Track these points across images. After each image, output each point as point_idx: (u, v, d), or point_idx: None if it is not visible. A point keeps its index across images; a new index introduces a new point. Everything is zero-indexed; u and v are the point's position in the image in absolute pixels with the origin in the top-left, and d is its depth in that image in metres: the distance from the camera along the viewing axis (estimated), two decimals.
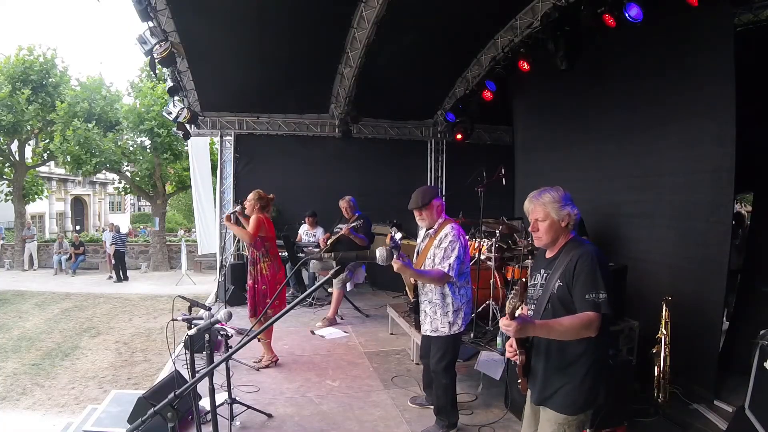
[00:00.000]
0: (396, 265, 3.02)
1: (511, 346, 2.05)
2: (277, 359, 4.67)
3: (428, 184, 8.60)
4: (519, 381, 2.18)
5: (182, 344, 3.94)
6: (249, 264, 4.51)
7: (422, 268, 3.28)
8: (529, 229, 2.22)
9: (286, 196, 7.61)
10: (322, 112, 8.34)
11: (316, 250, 6.51)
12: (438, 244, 3.19)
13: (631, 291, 4.28)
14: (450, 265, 3.11)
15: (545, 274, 2.16)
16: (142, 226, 26.57)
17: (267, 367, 4.55)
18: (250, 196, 4.45)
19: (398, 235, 3.34)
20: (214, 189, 10.02)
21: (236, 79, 7.36)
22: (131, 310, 10.99)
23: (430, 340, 3.37)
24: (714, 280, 3.86)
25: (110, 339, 8.78)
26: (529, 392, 2.22)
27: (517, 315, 1.86)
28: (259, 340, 4.57)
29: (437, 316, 3.25)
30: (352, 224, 5.77)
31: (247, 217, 4.43)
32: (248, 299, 4.55)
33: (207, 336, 2.68)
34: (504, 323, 1.88)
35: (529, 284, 2.26)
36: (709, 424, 3.46)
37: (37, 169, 18.68)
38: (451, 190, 8.42)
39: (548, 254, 2.19)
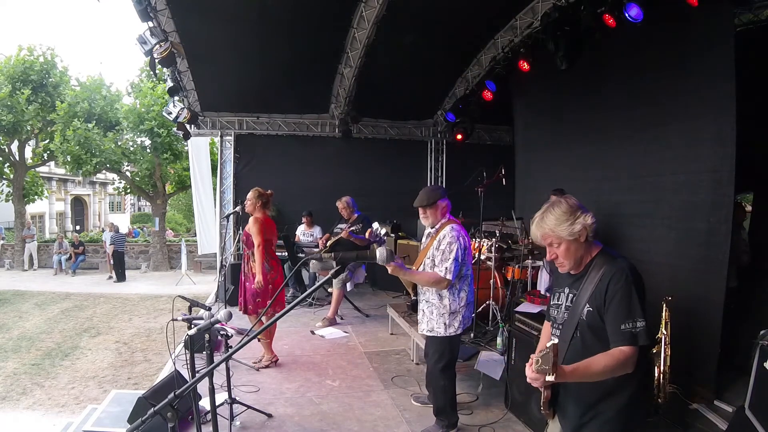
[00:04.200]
0: (390, 267, 2.96)
1: (534, 378, 1.66)
2: (277, 359, 4.67)
3: (428, 184, 8.61)
4: (543, 410, 1.89)
5: (182, 344, 3.94)
6: (242, 261, 4.54)
7: (421, 267, 3.26)
8: (547, 258, 1.92)
9: (286, 196, 7.63)
10: (322, 112, 8.34)
11: (317, 250, 6.50)
12: (437, 246, 3.14)
13: None
14: (447, 268, 3.05)
15: (571, 295, 1.90)
16: (134, 227, 26.19)
17: (267, 367, 4.55)
18: (250, 194, 4.46)
19: (383, 231, 3.27)
20: (214, 189, 10.03)
21: (236, 79, 7.36)
22: (131, 310, 10.98)
23: (428, 340, 3.37)
24: (714, 280, 3.85)
25: (110, 339, 8.78)
26: (555, 420, 2.00)
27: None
28: (259, 340, 4.57)
29: (433, 317, 3.22)
30: (352, 228, 5.76)
31: (248, 216, 4.44)
32: (239, 296, 4.58)
33: (207, 336, 2.68)
34: (530, 376, 1.63)
35: (551, 304, 2.01)
36: (709, 424, 3.46)
37: (37, 169, 18.66)
38: (451, 190, 8.28)
39: (573, 270, 1.91)
